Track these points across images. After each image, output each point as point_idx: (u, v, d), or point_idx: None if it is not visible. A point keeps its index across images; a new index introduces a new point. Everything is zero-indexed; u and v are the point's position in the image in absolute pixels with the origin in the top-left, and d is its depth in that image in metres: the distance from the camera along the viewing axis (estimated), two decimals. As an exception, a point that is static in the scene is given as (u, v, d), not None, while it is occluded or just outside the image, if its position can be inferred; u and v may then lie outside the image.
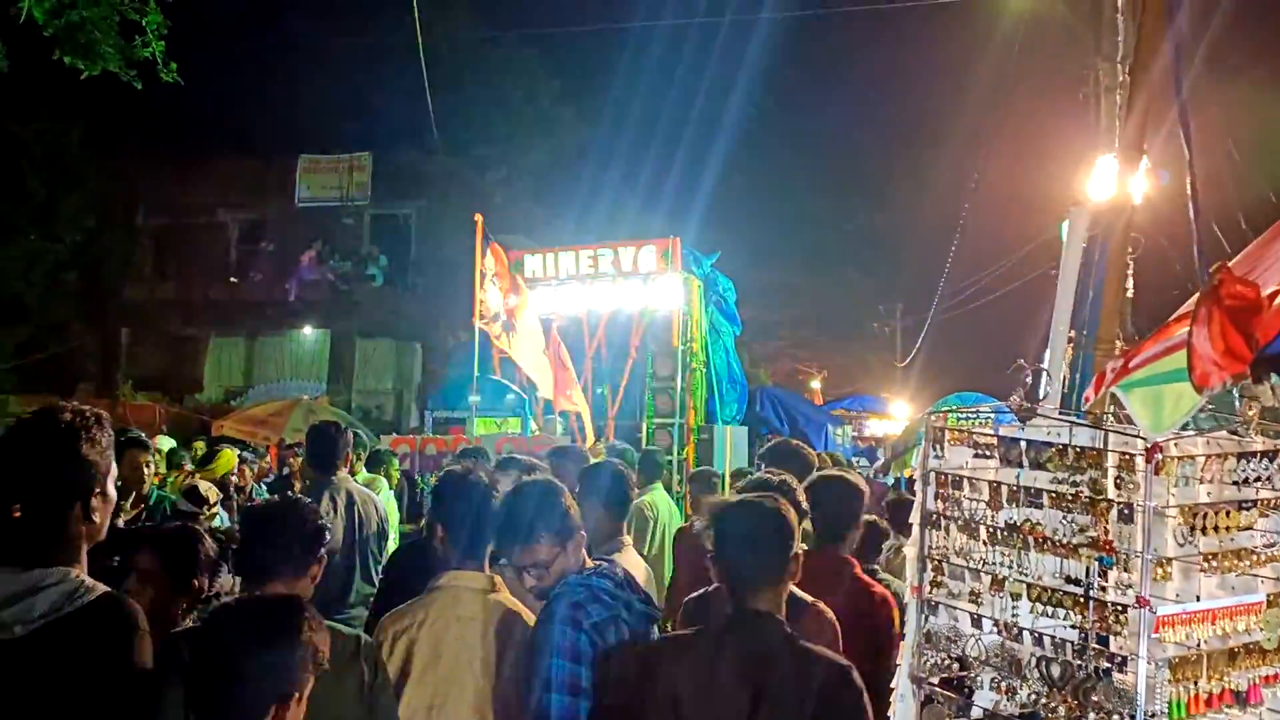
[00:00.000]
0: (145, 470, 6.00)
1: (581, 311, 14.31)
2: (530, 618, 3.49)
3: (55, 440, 2.38)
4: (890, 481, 13.35)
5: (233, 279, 27.18)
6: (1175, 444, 3.13)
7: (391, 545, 7.45)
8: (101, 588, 2.38)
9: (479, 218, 11.32)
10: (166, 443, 10.61)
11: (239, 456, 10.20)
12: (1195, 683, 3.07)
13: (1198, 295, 2.23)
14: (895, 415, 25.76)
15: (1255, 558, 3.17)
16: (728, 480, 8.88)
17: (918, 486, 3.67)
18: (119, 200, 26.09)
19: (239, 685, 2.21)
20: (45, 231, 23.73)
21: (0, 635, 2.23)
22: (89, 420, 2.44)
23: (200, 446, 12.60)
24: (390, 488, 9.35)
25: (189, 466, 9.69)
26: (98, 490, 2.44)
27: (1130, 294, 7.26)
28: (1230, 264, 2.41)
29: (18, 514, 2.36)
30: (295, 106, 26.22)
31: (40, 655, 2.24)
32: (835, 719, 2.91)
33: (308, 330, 26.42)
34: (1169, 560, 3.08)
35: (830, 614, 3.67)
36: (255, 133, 25.86)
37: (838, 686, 2.93)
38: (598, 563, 3.44)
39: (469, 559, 3.52)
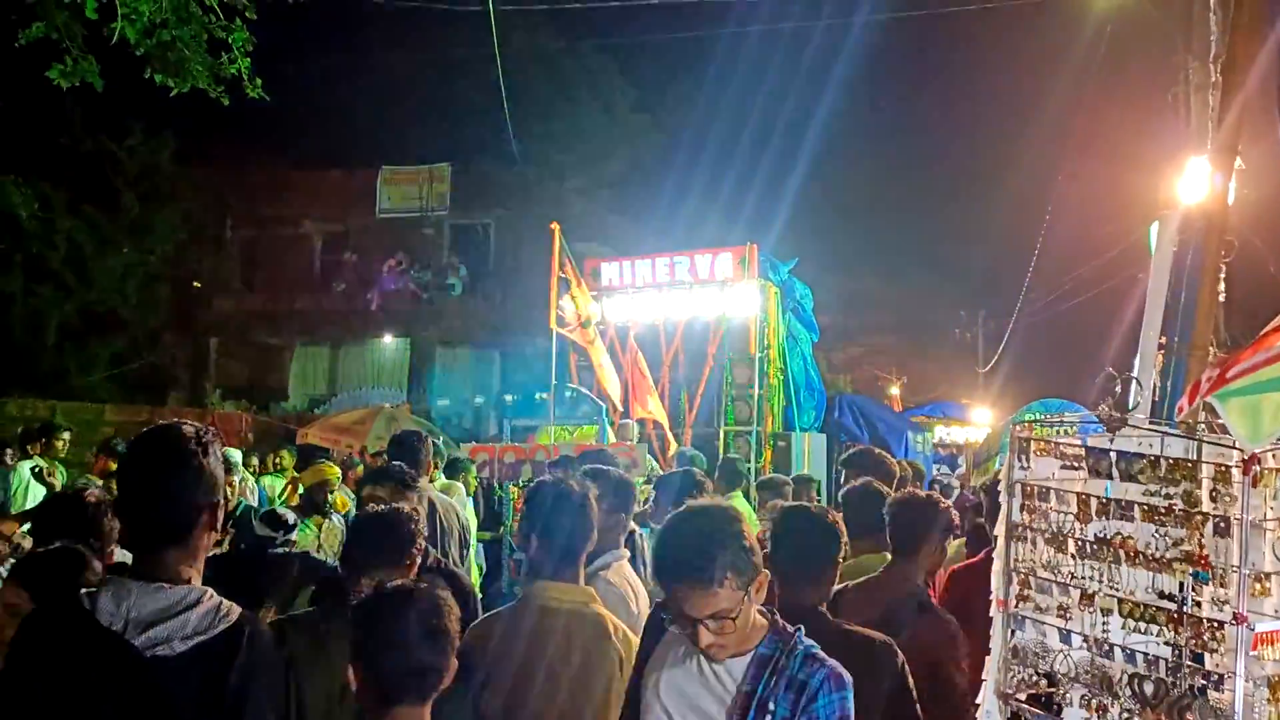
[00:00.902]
0: (230, 491, 6.18)
1: (659, 319, 14.33)
2: (623, 630, 3.44)
3: (184, 456, 2.44)
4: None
5: (317, 289, 27.74)
6: (1273, 455, 3.02)
7: (471, 554, 7.53)
8: (237, 609, 2.44)
9: (555, 226, 11.40)
10: (233, 454, 10.86)
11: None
12: (1297, 702, 2.96)
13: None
14: (977, 422, 25.30)
15: (1359, 573, 3.04)
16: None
17: (1003, 498, 3.59)
18: (208, 213, 26.78)
19: (424, 660, 2.47)
20: (139, 244, 24.42)
21: (159, 651, 2.28)
22: (208, 436, 2.51)
23: (286, 455, 12.83)
24: (469, 495, 9.42)
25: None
26: (220, 504, 2.52)
27: (1223, 298, 7.03)
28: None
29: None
30: (376, 118, 26.72)
31: (192, 673, 2.29)
32: (881, 682, 3.32)
33: (389, 339, 26.81)
34: (1267, 575, 2.97)
35: (950, 622, 4.00)
36: (338, 145, 26.38)
37: (878, 657, 3.37)
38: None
39: (561, 570, 3.45)
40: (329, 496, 7.51)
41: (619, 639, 3.39)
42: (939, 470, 20.07)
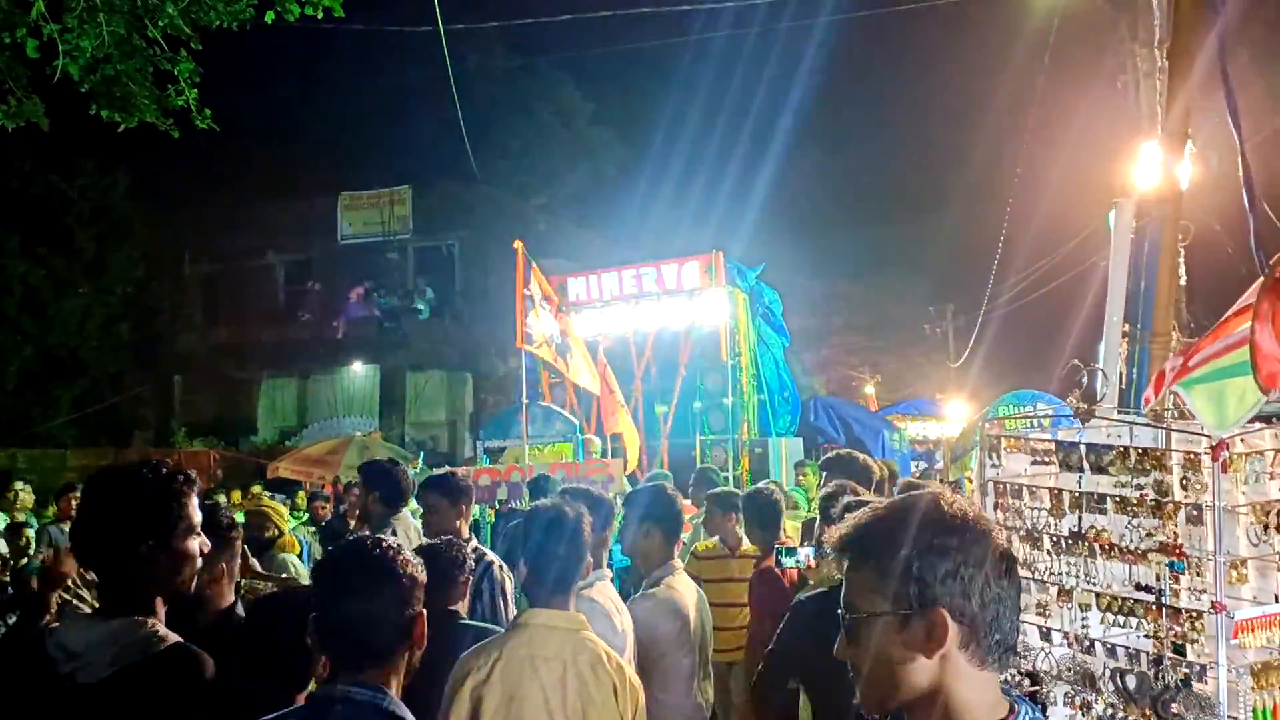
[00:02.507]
0: None
1: (628, 331, 14.27)
2: (619, 660, 3.38)
3: (122, 495, 2.53)
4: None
5: (282, 320, 27.51)
6: (1242, 439, 3.00)
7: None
8: (174, 637, 2.49)
9: (519, 244, 11.31)
10: None
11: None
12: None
13: (1258, 288, 2.09)
14: (951, 417, 25.39)
15: (1336, 554, 3.02)
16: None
17: (975, 497, 3.56)
18: (166, 249, 26.48)
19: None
20: (97, 285, 24.15)
21: (81, 678, 2.39)
22: (162, 475, 2.57)
23: (258, 491, 12.68)
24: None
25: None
26: (164, 543, 2.54)
27: (1184, 281, 7.04)
28: (1290, 251, 2.27)
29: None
30: (333, 145, 26.58)
31: (111, 700, 2.37)
32: None
33: (358, 366, 26.61)
34: (1244, 561, 2.94)
35: None
36: (295, 174, 26.18)
37: None
38: None
39: (555, 597, 3.37)
40: (273, 533, 7.01)
41: (612, 667, 3.33)
42: (916, 466, 20.11)
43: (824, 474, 6.09)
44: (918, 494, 1.88)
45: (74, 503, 8.77)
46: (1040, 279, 24.25)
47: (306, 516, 11.55)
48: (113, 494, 2.53)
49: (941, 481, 14.64)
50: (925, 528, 1.77)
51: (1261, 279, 2.04)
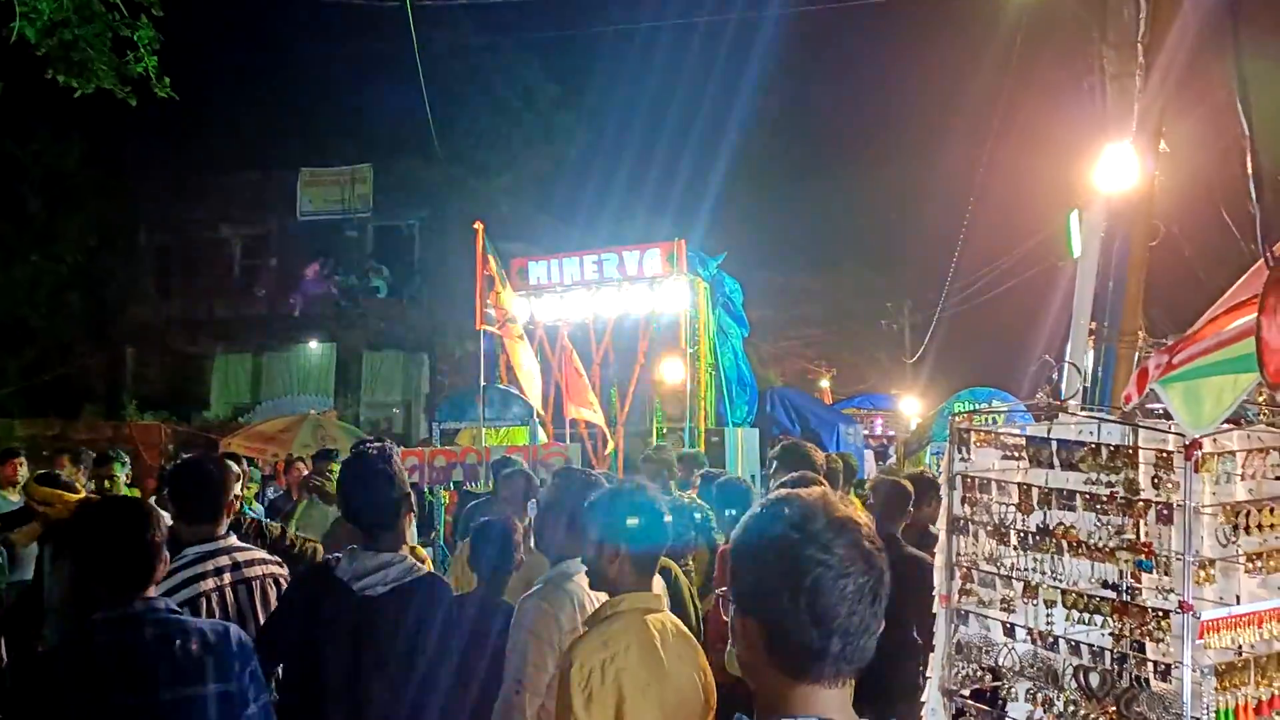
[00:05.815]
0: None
1: (588, 317, 14.20)
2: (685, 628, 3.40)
3: (389, 468, 3.63)
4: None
5: (237, 295, 27.16)
6: (1214, 439, 2.99)
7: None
8: (425, 568, 3.69)
9: (479, 225, 11.19)
10: None
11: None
12: (1243, 689, 2.94)
13: (1265, 282, 2.05)
14: (906, 412, 25.58)
15: (1302, 557, 3.03)
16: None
17: (943, 491, 3.53)
18: (120, 219, 25.96)
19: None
20: (47, 253, 23.60)
21: (368, 593, 3.48)
22: (392, 450, 3.75)
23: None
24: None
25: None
26: (409, 500, 3.76)
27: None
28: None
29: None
30: (295, 119, 26.17)
31: (394, 607, 3.49)
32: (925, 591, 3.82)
33: (314, 344, 26.32)
34: (1211, 562, 2.94)
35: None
36: (255, 147, 25.76)
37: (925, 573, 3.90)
38: None
39: (643, 578, 3.34)
40: None
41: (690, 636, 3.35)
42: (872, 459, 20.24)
43: (775, 464, 6.04)
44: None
45: (18, 469, 8.53)
46: (996, 279, 24.49)
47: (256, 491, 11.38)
48: (382, 468, 3.59)
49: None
50: None
51: (1267, 271, 2.00)
